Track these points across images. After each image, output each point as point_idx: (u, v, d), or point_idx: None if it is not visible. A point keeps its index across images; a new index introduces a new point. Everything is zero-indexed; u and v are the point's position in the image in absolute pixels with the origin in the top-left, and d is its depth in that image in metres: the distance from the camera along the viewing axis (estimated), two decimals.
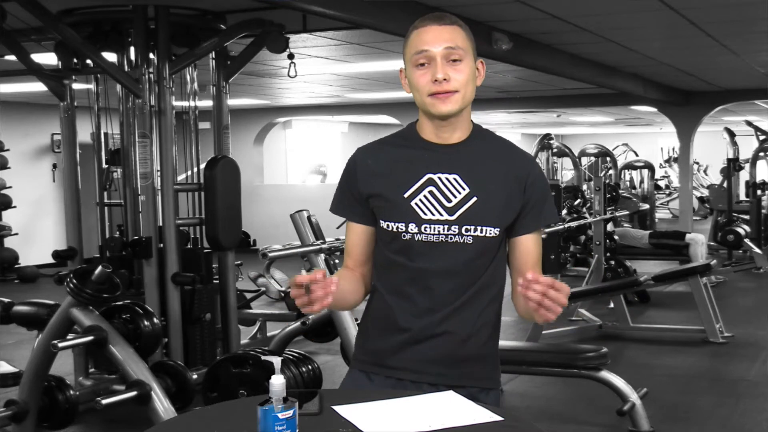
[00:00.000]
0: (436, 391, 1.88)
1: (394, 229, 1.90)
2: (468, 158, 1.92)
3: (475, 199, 1.89)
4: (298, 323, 5.47)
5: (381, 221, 1.93)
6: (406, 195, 1.90)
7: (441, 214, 1.88)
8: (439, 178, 1.90)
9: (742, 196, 13.12)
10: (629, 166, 15.21)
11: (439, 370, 1.94)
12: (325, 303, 1.72)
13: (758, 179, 12.17)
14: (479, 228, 1.88)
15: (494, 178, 1.91)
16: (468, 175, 1.90)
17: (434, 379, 1.94)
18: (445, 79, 1.84)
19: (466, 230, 1.88)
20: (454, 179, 1.90)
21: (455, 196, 1.89)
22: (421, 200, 1.89)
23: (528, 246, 1.95)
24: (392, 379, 1.97)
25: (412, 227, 1.89)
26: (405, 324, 1.93)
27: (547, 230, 7.26)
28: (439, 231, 1.88)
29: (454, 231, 1.88)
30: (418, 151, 1.93)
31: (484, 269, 1.92)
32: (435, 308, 1.91)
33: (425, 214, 1.88)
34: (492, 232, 1.89)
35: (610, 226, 8.84)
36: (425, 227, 1.88)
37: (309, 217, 4.73)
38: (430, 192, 1.89)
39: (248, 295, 7.37)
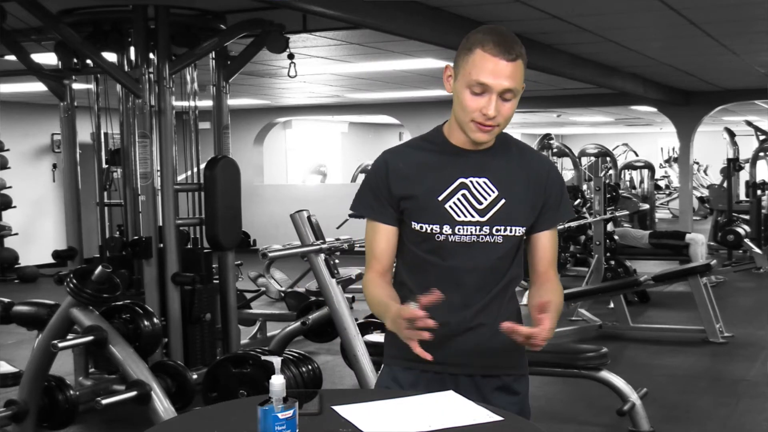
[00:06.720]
0: (470, 383, 2.02)
1: (428, 231, 1.99)
2: (494, 162, 2.02)
3: (503, 201, 1.99)
4: (298, 323, 5.47)
5: (413, 222, 2.00)
6: (440, 198, 1.98)
7: (473, 216, 1.98)
8: (471, 182, 1.99)
9: (742, 196, 13.12)
10: (629, 166, 15.22)
11: (476, 361, 2.03)
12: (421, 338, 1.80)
13: (758, 179, 12.17)
14: (508, 228, 2.00)
15: (518, 180, 2.02)
16: (496, 179, 2.00)
17: (472, 369, 2.03)
18: (494, 116, 1.91)
19: (497, 230, 1.99)
20: (484, 182, 1.99)
21: (486, 199, 1.99)
22: (454, 203, 1.98)
23: (545, 242, 2.08)
24: (429, 372, 2.02)
25: (446, 229, 1.98)
26: (442, 318, 1.96)
27: None
28: (471, 232, 1.98)
29: (485, 231, 1.98)
30: (449, 156, 2.02)
31: (509, 266, 2.04)
32: (468, 303, 2.01)
33: (459, 216, 1.98)
34: (519, 231, 2.01)
35: (610, 226, 8.85)
36: (459, 228, 1.98)
37: (309, 217, 4.73)
38: (463, 195, 1.98)
39: (248, 295, 7.37)
